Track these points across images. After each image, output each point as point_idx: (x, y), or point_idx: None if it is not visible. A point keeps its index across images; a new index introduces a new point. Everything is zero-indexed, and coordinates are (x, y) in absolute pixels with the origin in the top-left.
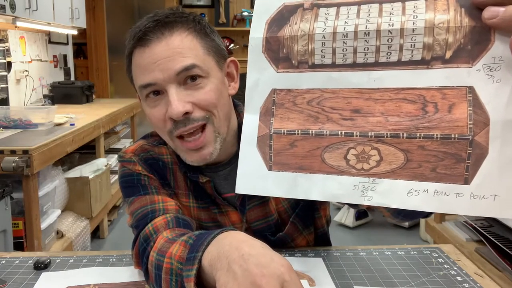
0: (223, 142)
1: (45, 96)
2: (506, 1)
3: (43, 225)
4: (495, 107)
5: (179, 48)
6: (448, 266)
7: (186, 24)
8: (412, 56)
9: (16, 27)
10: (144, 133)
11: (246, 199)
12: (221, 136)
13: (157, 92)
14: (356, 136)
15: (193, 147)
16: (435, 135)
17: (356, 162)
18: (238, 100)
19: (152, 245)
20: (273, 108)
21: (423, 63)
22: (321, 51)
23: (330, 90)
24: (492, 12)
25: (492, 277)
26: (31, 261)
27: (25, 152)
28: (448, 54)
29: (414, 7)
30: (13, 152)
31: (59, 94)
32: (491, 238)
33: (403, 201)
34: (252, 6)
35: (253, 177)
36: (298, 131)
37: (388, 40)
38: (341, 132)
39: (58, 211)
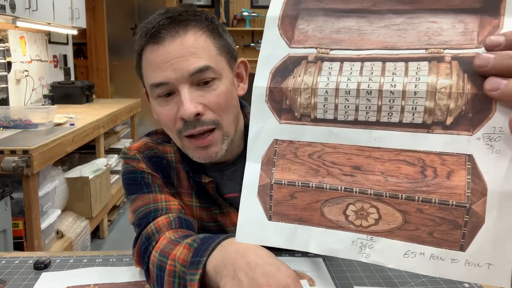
0: (230, 143)
1: (45, 96)
2: (506, 74)
3: (43, 225)
4: (493, 177)
5: (193, 48)
6: None
7: (199, 22)
8: (413, 118)
9: (16, 27)
10: (144, 133)
11: None
12: (229, 138)
13: (168, 92)
14: (356, 192)
15: (201, 144)
16: (433, 200)
17: (355, 218)
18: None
19: (154, 245)
20: (275, 158)
21: (423, 127)
22: (323, 106)
23: (331, 145)
24: (493, 84)
25: None
26: (31, 261)
27: (25, 152)
28: (449, 120)
29: (417, 68)
30: (13, 152)
31: (59, 94)
32: None
33: (399, 262)
34: (252, 6)
35: (253, 226)
36: (298, 182)
37: (389, 101)
38: (341, 187)
39: (58, 211)
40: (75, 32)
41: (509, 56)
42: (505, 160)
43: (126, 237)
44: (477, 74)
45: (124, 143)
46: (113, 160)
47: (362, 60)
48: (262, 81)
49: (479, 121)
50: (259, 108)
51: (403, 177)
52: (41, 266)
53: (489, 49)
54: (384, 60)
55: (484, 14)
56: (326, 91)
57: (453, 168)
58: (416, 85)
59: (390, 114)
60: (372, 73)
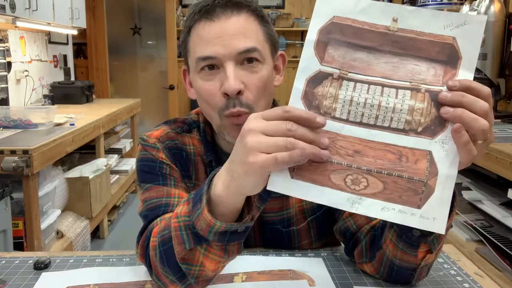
0: None
1: (45, 96)
2: (455, 105)
3: (43, 225)
4: (442, 165)
5: (244, 29)
6: (448, 266)
7: (251, 8)
8: (397, 125)
9: (16, 27)
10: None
11: (266, 195)
12: None
13: (212, 66)
14: (354, 167)
15: (238, 121)
16: (404, 176)
17: (351, 184)
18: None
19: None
20: None
21: (403, 131)
22: (341, 110)
23: (342, 135)
24: (445, 110)
25: (492, 277)
26: (31, 261)
27: (25, 152)
28: (420, 129)
29: (404, 95)
30: (13, 152)
31: (59, 94)
32: (491, 238)
33: (378, 214)
34: None
35: (281, 180)
36: None
37: (384, 112)
38: (344, 163)
39: (58, 211)
40: (75, 32)
41: (460, 95)
42: (450, 155)
43: (126, 237)
44: (439, 103)
45: (124, 143)
46: (113, 160)
47: (369, 83)
48: (299, 84)
49: (437, 131)
50: (295, 102)
51: (386, 161)
52: (41, 266)
53: (449, 88)
54: (383, 85)
55: (447, 65)
56: (344, 101)
57: (419, 157)
58: (402, 105)
59: (383, 121)
60: (375, 93)
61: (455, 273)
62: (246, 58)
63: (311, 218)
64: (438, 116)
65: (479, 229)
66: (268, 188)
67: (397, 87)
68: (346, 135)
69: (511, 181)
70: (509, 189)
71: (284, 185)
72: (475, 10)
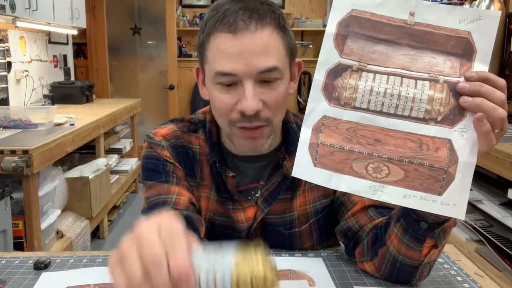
0: (273, 138)
1: (45, 96)
2: (474, 95)
3: (43, 225)
4: (462, 153)
5: (266, 47)
6: (448, 266)
7: (274, 19)
8: (417, 114)
9: (16, 27)
10: (144, 133)
11: (272, 199)
12: (273, 136)
13: (233, 82)
14: (375, 156)
15: (252, 135)
16: (425, 163)
17: (373, 172)
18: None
19: None
20: (322, 128)
21: (423, 120)
22: (361, 99)
23: (362, 124)
24: (464, 99)
25: (492, 277)
26: (31, 261)
27: (25, 152)
28: (439, 118)
29: (423, 85)
30: (13, 152)
31: (59, 94)
32: (491, 238)
33: (400, 201)
34: None
35: (304, 168)
36: (337, 145)
37: (404, 102)
38: (365, 152)
39: (58, 211)
40: (75, 32)
41: (478, 85)
42: (469, 144)
43: None
44: (457, 93)
45: (124, 143)
46: (113, 160)
47: (388, 74)
48: (320, 76)
49: (456, 121)
50: (316, 93)
51: (407, 149)
52: (41, 266)
53: (467, 79)
54: (402, 76)
55: (463, 58)
56: (364, 91)
57: (439, 146)
58: (421, 95)
59: (403, 110)
60: (394, 83)
61: (455, 273)
62: (266, 77)
63: (313, 220)
64: (457, 105)
65: (479, 229)
66: (292, 175)
67: (416, 78)
68: (366, 124)
69: (511, 181)
70: (509, 189)
71: (307, 172)
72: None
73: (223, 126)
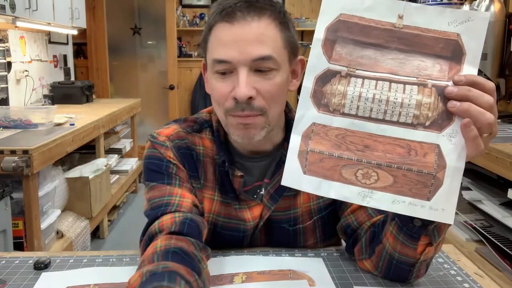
0: (269, 133)
1: (45, 96)
2: (462, 99)
3: (43, 225)
4: (450, 158)
5: (262, 35)
6: (448, 266)
7: (273, 13)
8: (406, 119)
9: (16, 27)
10: (145, 134)
11: (278, 196)
12: (269, 128)
13: (226, 70)
14: (364, 162)
15: (243, 121)
16: (413, 169)
17: (362, 178)
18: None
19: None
20: (311, 135)
21: (411, 125)
22: (349, 105)
23: (351, 131)
24: (452, 104)
25: (492, 277)
26: (31, 261)
27: (25, 152)
28: (427, 123)
29: (411, 90)
30: (13, 152)
31: (59, 94)
32: (491, 238)
33: (389, 207)
34: None
35: (294, 176)
36: (326, 152)
37: (392, 107)
38: (355, 158)
39: (58, 211)
40: (75, 32)
41: (466, 89)
42: (458, 148)
43: (126, 237)
44: (445, 97)
45: (124, 143)
46: (113, 160)
47: (377, 79)
48: (308, 82)
49: (444, 125)
50: (305, 100)
51: (396, 155)
52: (41, 266)
53: (455, 83)
54: (390, 81)
55: (452, 61)
56: (352, 97)
57: (428, 151)
58: (409, 100)
59: (391, 115)
60: (383, 88)
61: (455, 273)
62: (261, 66)
63: (317, 217)
64: (445, 110)
65: (479, 229)
66: (282, 183)
67: (404, 83)
68: (355, 131)
69: (511, 181)
70: (509, 189)
71: (296, 180)
72: (475, 10)
73: (221, 117)
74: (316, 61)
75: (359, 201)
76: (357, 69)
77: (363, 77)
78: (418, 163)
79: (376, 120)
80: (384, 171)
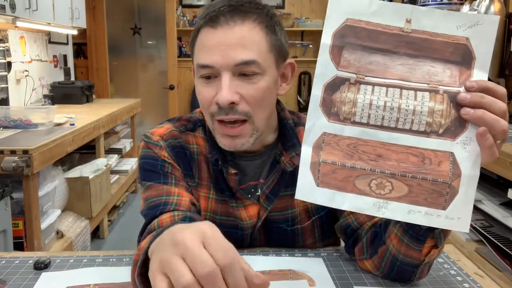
0: (259, 137)
1: (45, 96)
2: (475, 106)
3: (43, 225)
4: (465, 166)
5: (245, 40)
6: (448, 266)
7: (259, 16)
8: (418, 127)
9: (16, 27)
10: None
11: (273, 196)
12: (258, 133)
13: (210, 75)
14: (377, 172)
15: (229, 133)
16: (428, 178)
17: (376, 188)
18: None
19: None
20: (322, 145)
21: (424, 133)
22: (360, 114)
23: (363, 140)
24: (465, 111)
25: (492, 277)
26: (31, 261)
27: (25, 152)
28: (441, 131)
29: (422, 97)
30: (13, 152)
31: (59, 94)
32: (491, 238)
33: (404, 217)
34: None
35: (307, 189)
36: (338, 162)
37: (404, 115)
38: (368, 168)
39: (58, 211)
40: (75, 32)
41: (479, 96)
42: (472, 156)
43: (126, 237)
44: (458, 104)
45: (124, 143)
46: (113, 160)
47: (387, 86)
48: (317, 91)
49: (458, 133)
50: (315, 110)
51: (410, 163)
52: (41, 266)
53: (467, 89)
54: (401, 87)
55: (462, 66)
56: (363, 105)
57: (442, 159)
58: (421, 107)
59: (404, 123)
60: (393, 95)
61: (455, 273)
62: (244, 70)
63: (316, 218)
64: (458, 117)
65: (479, 229)
66: (296, 197)
67: (415, 89)
68: (367, 140)
69: (511, 181)
70: (509, 189)
71: (310, 193)
72: (475, 10)
73: (208, 121)
74: (324, 68)
75: (374, 212)
76: (366, 76)
77: (373, 84)
78: (433, 172)
79: (388, 128)
80: (398, 180)
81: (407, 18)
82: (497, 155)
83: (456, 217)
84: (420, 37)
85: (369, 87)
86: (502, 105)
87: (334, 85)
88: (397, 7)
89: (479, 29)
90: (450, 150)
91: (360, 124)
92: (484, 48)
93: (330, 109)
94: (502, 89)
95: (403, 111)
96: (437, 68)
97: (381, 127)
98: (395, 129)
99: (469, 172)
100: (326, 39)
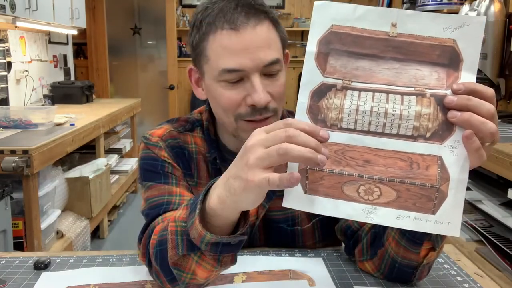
0: None
1: (45, 96)
2: (462, 109)
3: (43, 225)
4: (453, 170)
5: (268, 39)
6: (448, 266)
7: (267, 14)
8: (405, 132)
9: (16, 27)
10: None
11: (272, 193)
12: None
13: (240, 78)
14: (366, 177)
15: (257, 126)
16: (416, 183)
17: (364, 194)
18: None
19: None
20: None
21: (412, 138)
22: (347, 120)
23: (351, 146)
24: (452, 114)
25: (492, 277)
26: (31, 261)
27: (25, 152)
28: (428, 134)
29: (409, 101)
30: (13, 152)
31: (59, 94)
32: (491, 238)
33: (393, 222)
34: None
35: (295, 196)
36: (326, 169)
37: (391, 120)
38: (356, 174)
39: (58, 211)
40: (75, 32)
41: (466, 98)
42: (460, 160)
43: (126, 237)
44: (445, 107)
45: (124, 143)
46: (113, 160)
47: (373, 91)
48: (304, 98)
49: (445, 136)
50: (301, 117)
51: (397, 168)
52: (41, 266)
53: (454, 92)
54: (387, 92)
55: (449, 68)
56: (350, 110)
57: (430, 163)
58: (408, 111)
59: (391, 128)
60: (380, 100)
61: (455, 273)
62: (270, 70)
63: (316, 220)
64: (445, 120)
65: (479, 229)
66: (283, 205)
67: (402, 93)
68: (355, 145)
69: (511, 181)
70: (509, 189)
71: (298, 201)
72: (475, 10)
73: (228, 122)
74: (310, 75)
75: (363, 218)
76: (352, 81)
77: (359, 89)
78: (421, 176)
79: (375, 133)
80: (386, 186)
81: (393, 22)
82: (485, 158)
83: (445, 222)
84: (406, 41)
85: (356, 93)
86: (490, 107)
87: (320, 92)
88: (382, 12)
89: (466, 30)
90: (438, 154)
91: (347, 130)
92: (472, 49)
93: (317, 116)
94: (490, 91)
95: (390, 116)
96: (424, 71)
97: (368, 132)
98: (383, 134)
99: (458, 176)
100: (311, 47)
